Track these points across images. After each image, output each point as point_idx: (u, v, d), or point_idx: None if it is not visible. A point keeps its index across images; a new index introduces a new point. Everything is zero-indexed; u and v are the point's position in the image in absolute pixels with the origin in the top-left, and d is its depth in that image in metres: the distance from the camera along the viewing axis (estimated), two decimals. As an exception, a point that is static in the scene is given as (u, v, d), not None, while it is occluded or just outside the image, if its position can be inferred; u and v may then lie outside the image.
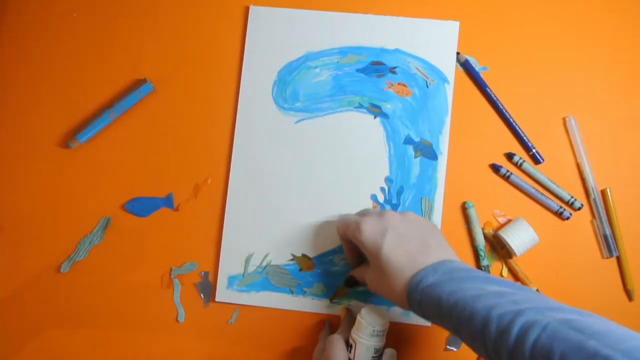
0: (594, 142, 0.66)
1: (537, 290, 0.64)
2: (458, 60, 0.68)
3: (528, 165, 0.66)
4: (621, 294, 0.65)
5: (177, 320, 0.66)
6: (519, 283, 0.65)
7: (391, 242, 0.54)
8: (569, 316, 0.41)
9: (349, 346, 0.57)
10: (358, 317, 0.58)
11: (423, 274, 0.51)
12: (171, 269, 0.66)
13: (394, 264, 0.53)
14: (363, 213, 0.61)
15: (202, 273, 0.67)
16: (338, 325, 0.65)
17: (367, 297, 0.65)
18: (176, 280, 0.66)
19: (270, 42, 0.69)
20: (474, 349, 0.47)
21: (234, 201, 0.67)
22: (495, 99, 0.67)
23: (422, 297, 0.50)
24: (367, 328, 0.56)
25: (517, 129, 0.66)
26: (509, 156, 0.66)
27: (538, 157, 0.66)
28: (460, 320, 0.46)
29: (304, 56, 0.68)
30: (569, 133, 0.67)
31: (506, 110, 0.66)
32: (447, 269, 0.51)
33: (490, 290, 0.47)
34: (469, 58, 0.67)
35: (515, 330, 0.41)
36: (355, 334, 0.57)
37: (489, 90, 0.67)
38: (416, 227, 0.56)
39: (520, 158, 0.66)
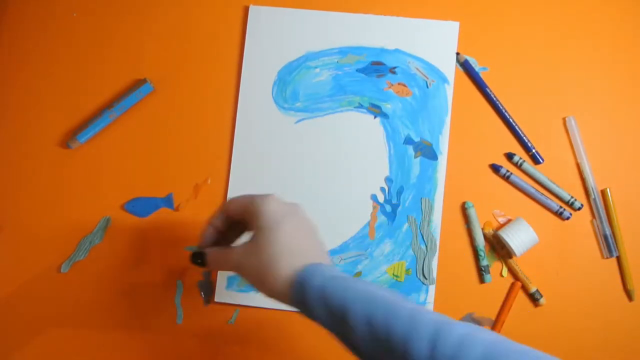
0: (594, 142, 0.66)
1: (537, 290, 0.64)
2: (458, 60, 0.68)
3: (528, 165, 0.66)
4: (621, 294, 0.65)
5: (176, 322, 0.67)
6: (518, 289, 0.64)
7: (297, 223, 0.48)
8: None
9: None
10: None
11: (328, 267, 0.46)
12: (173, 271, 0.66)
13: (291, 245, 0.47)
14: None
15: (205, 272, 0.67)
16: None
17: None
18: (179, 281, 0.66)
19: (270, 42, 0.69)
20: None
21: (234, 201, 0.67)
22: (495, 99, 0.67)
23: (324, 285, 0.43)
24: None
25: (517, 129, 0.66)
26: (509, 156, 0.66)
27: (538, 157, 0.66)
28: (378, 332, 0.41)
29: (304, 56, 0.68)
30: (569, 133, 0.67)
31: (506, 111, 0.66)
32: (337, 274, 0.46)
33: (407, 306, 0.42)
34: (468, 58, 0.67)
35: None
36: None
37: (488, 91, 0.67)
38: (318, 236, 0.51)
39: (520, 158, 0.66)
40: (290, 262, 0.46)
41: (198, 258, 0.53)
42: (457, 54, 0.67)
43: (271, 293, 0.47)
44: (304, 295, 0.44)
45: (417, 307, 0.41)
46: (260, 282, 0.48)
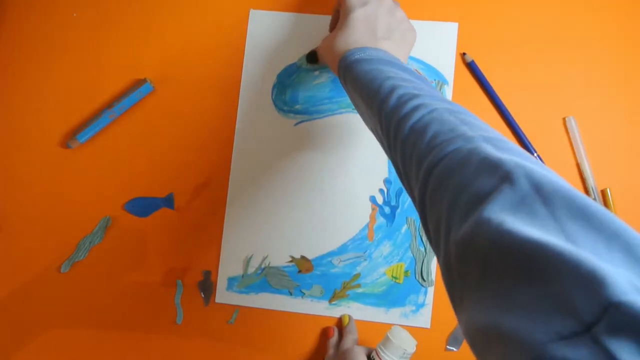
0: (594, 142, 0.66)
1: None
2: (464, 60, 0.67)
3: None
4: (621, 295, 0.65)
5: (176, 322, 0.67)
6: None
7: (364, 13, 0.57)
8: (456, 108, 0.44)
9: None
10: (388, 335, 0.58)
11: (354, 51, 0.54)
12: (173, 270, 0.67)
13: (347, 33, 0.56)
14: None
15: (205, 272, 0.67)
16: (341, 330, 0.65)
17: (365, 298, 0.66)
18: (179, 281, 0.67)
19: (269, 45, 0.68)
20: (375, 125, 0.50)
21: (233, 202, 0.67)
22: (500, 102, 0.66)
23: (345, 70, 0.53)
24: (399, 349, 0.57)
25: (521, 133, 0.66)
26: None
27: (539, 161, 0.66)
28: (370, 94, 0.49)
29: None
30: (569, 133, 0.66)
31: (511, 115, 0.66)
32: (376, 54, 0.53)
33: (403, 76, 0.50)
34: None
35: (407, 107, 0.45)
36: (383, 352, 0.57)
37: (494, 93, 0.66)
38: (394, 21, 0.58)
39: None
40: (340, 50, 0.56)
41: (312, 55, 0.66)
42: (464, 54, 0.67)
43: (331, 65, 0.59)
44: (340, 77, 0.56)
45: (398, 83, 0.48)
46: (330, 65, 0.59)
